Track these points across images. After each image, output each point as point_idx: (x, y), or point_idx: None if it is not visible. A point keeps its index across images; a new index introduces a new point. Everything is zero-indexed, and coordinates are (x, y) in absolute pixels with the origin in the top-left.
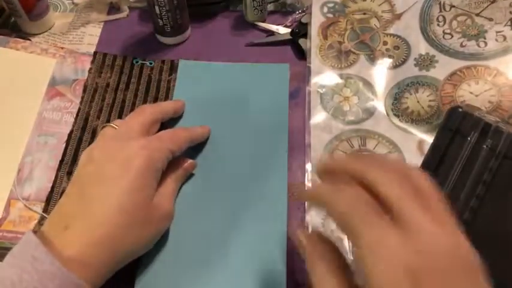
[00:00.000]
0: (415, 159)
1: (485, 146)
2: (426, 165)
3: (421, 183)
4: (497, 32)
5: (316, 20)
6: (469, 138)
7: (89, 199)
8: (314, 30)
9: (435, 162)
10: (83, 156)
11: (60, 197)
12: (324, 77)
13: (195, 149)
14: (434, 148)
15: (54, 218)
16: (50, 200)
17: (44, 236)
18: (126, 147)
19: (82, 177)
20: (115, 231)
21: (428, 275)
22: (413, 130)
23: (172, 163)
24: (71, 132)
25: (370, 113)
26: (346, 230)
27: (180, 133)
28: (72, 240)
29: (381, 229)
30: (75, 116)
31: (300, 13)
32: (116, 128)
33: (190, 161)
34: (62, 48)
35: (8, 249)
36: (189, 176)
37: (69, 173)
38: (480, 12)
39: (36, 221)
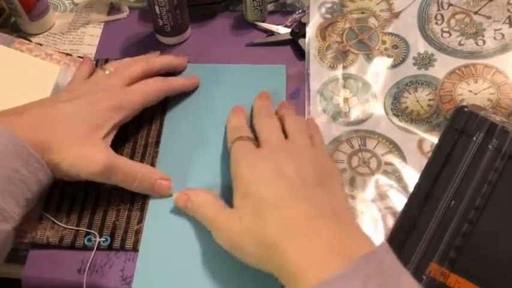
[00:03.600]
0: (415, 158)
1: (490, 146)
2: (431, 165)
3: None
4: (495, 30)
5: (315, 22)
6: (474, 138)
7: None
8: (312, 32)
9: (440, 162)
10: None
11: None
12: (323, 79)
13: (191, 148)
14: (440, 147)
15: None
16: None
17: None
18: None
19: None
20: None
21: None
22: (413, 129)
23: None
24: None
25: (369, 113)
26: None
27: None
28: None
29: (248, 150)
30: None
31: (300, 13)
32: (105, 74)
33: None
34: (67, 55)
35: None
36: (187, 175)
37: None
38: (478, 10)
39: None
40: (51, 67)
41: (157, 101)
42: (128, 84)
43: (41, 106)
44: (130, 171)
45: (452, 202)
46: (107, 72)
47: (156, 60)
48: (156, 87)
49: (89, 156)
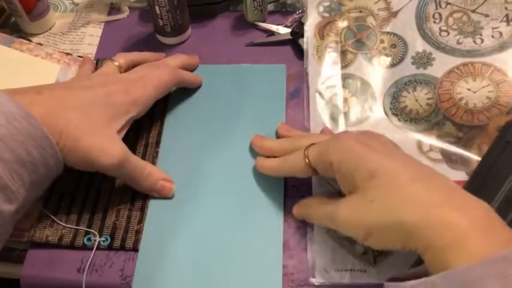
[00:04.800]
0: (414, 157)
1: None
2: (477, 175)
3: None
4: (493, 28)
5: (313, 21)
6: None
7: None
8: (311, 31)
9: (487, 173)
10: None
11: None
12: (322, 79)
13: (191, 147)
14: (487, 159)
15: None
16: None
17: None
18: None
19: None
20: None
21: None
22: (413, 129)
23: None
24: None
25: (369, 113)
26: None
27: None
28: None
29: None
30: None
31: (300, 13)
32: (116, 65)
33: None
34: (67, 54)
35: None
36: (187, 175)
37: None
38: (476, 8)
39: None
40: (51, 66)
41: (167, 92)
42: (140, 79)
43: (60, 89)
44: (139, 167)
45: None
46: (116, 63)
47: (172, 60)
48: (167, 79)
49: (106, 148)
